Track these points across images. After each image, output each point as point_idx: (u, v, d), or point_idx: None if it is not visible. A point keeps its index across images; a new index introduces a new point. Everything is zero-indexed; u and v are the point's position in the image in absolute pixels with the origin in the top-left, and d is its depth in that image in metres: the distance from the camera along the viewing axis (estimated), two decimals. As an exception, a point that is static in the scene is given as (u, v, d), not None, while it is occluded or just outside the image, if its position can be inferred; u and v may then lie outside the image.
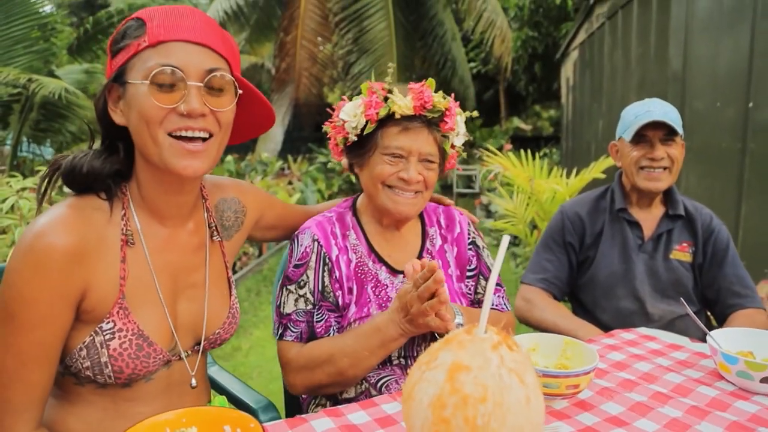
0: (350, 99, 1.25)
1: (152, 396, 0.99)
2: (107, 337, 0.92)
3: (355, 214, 1.31)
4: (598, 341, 1.26)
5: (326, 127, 1.28)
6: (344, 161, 1.31)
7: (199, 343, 1.07)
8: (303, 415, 0.90)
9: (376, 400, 0.95)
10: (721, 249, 1.74)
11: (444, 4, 11.16)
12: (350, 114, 1.21)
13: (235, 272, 5.73)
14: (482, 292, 1.36)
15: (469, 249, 1.36)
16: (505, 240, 0.59)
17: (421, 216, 1.36)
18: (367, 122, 1.19)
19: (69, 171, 0.92)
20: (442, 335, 1.18)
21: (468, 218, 1.41)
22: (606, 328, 1.53)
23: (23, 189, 3.98)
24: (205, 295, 1.07)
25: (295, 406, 1.40)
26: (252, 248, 5.89)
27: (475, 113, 1.34)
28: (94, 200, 0.94)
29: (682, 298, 1.42)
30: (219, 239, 1.11)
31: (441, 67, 11.62)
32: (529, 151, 4.55)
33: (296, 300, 1.20)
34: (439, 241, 1.35)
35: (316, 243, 1.23)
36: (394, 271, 1.25)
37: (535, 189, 3.74)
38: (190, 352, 1.06)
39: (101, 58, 11.23)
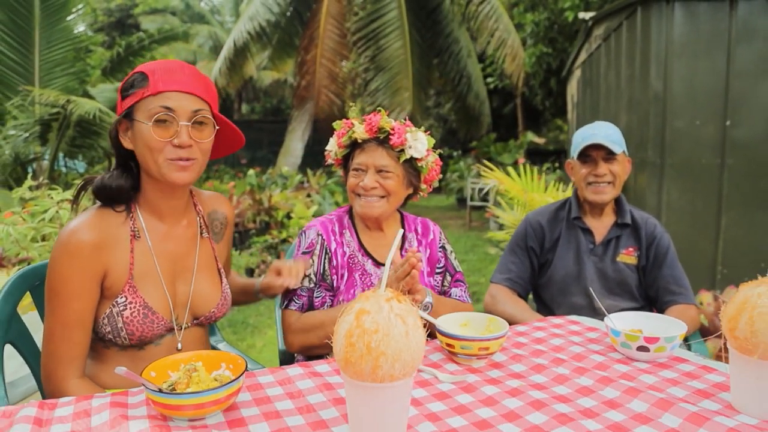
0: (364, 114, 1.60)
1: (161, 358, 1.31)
2: (121, 308, 1.25)
3: (351, 217, 1.66)
4: (530, 324, 1.55)
5: (327, 159, 1.66)
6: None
7: (196, 318, 1.39)
8: (281, 367, 1.21)
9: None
10: (662, 253, 2.00)
11: (459, 22, 11.51)
12: (331, 145, 1.62)
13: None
14: (447, 285, 1.71)
15: (439, 251, 1.71)
16: (399, 233, 0.90)
17: (402, 222, 1.71)
18: (339, 149, 1.58)
19: (101, 188, 1.26)
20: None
21: (439, 228, 1.76)
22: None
23: (63, 200, 4.40)
24: (192, 278, 1.38)
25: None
26: (270, 257, 6.24)
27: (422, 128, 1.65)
28: (110, 209, 1.28)
29: (590, 288, 1.70)
30: (207, 236, 1.44)
31: (457, 83, 11.96)
32: (527, 166, 4.83)
33: (302, 279, 1.53)
34: (415, 243, 1.69)
35: (320, 237, 1.58)
36: (378, 264, 1.60)
37: (528, 201, 4.01)
38: (189, 325, 1.37)
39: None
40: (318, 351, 1.50)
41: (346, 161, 1.62)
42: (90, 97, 8.04)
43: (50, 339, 1.21)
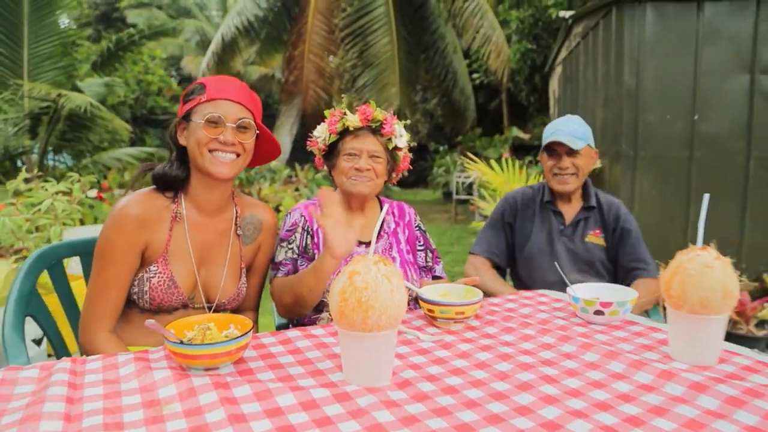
0: (354, 111, 1.73)
1: None
2: (151, 275, 1.43)
3: None
4: (503, 296, 1.72)
5: (309, 146, 1.79)
6: (324, 168, 1.84)
7: (209, 303, 1.55)
8: (280, 330, 1.36)
9: (334, 324, 1.41)
10: (626, 233, 2.17)
11: (446, 18, 11.67)
12: (320, 132, 1.76)
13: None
14: (430, 262, 1.89)
15: (417, 230, 1.90)
16: (385, 207, 1.06)
17: (380, 205, 1.87)
18: (330, 135, 1.71)
19: (161, 175, 1.47)
20: None
21: (413, 209, 1.93)
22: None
23: (57, 192, 4.49)
24: (224, 270, 1.56)
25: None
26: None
27: (408, 121, 1.82)
28: (160, 194, 1.48)
29: (556, 263, 1.88)
30: (240, 234, 1.61)
31: (443, 78, 12.12)
32: (509, 159, 5.01)
33: (286, 251, 1.71)
34: (392, 225, 1.86)
35: (302, 217, 1.75)
36: (358, 242, 1.74)
37: (510, 193, 4.20)
38: (200, 306, 1.54)
39: (119, 71, 11.80)
40: (296, 310, 1.61)
41: (332, 147, 1.77)
42: (79, 91, 8.09)
43: (90, 295, 1.41)
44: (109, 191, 7.73)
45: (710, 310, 1.11)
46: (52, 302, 1.70)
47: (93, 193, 6.18)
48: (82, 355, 1.52)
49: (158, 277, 1.44)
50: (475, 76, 14.32)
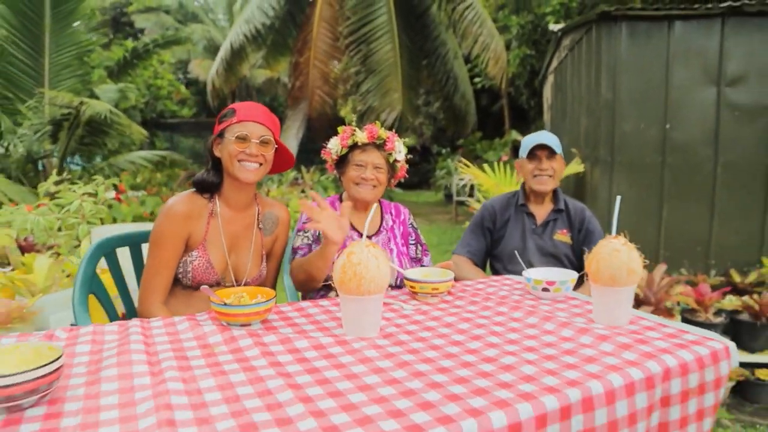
0: (358, 115, 2.17)
1: (206, 300, 1.84)
2: (193, 259, 1.82)
3: (341, 201, 2.22)
4: (476, 280, 2.09)
5: (322, 155, 2.19)
6: (335, 173, 2.24)
7: (237, 281, 1.93)
8: (295, 302, 1.74)
9: (338, 299, 1.79)
10: (590, 233, 2.54)
11: (447, 25, 12.06)
12: (333, 144, 2.15)
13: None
14: (420, 254, 2.28)
15: (410, 227, 2.29)
16: (373, 208, 1.44)
17: (380, 207, 2.26)
18: (342, 148, 2.10)
19: (201, 181, 1.86)
20: None
21: (408, 210, 2.33)
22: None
23: (84, 194, 4.89)
24: (249, 256, 1.94)
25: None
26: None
27: (409, 141, 2.20)
28: (199, 195, 1.87)
29: (515, 251, 2.25)
30: (262, 227, 1.99)
31: (444, 84, 12.51)
32: (502, 164, 5.38)
33: (302, 238, 2.10)
34: (390, 222, 2.24)
35: None
36: (360, 234, 2.13)
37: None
38: (229, 284, 1.92)
39: (131, 76, 12.22)
40: (307, 285, 2.00)
41: (342, 158, 2.17)
42: (96, 97, 8.50)
43: (147, 273, 1.81)
44: (124, 193, 8.14)
45: (617, 283, 1.48)
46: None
47: (111, 194, 6.59)
48: None
49: (198, 261, 1.82)
50: (476, 80, 14.69)
